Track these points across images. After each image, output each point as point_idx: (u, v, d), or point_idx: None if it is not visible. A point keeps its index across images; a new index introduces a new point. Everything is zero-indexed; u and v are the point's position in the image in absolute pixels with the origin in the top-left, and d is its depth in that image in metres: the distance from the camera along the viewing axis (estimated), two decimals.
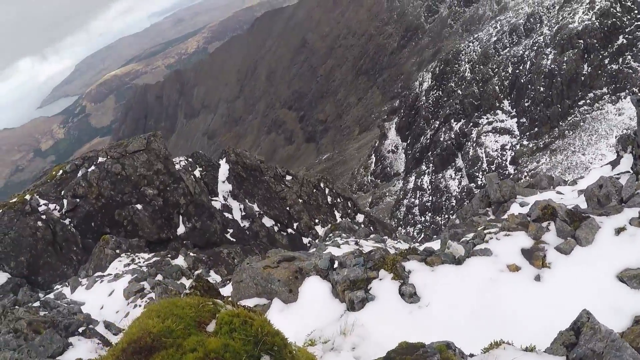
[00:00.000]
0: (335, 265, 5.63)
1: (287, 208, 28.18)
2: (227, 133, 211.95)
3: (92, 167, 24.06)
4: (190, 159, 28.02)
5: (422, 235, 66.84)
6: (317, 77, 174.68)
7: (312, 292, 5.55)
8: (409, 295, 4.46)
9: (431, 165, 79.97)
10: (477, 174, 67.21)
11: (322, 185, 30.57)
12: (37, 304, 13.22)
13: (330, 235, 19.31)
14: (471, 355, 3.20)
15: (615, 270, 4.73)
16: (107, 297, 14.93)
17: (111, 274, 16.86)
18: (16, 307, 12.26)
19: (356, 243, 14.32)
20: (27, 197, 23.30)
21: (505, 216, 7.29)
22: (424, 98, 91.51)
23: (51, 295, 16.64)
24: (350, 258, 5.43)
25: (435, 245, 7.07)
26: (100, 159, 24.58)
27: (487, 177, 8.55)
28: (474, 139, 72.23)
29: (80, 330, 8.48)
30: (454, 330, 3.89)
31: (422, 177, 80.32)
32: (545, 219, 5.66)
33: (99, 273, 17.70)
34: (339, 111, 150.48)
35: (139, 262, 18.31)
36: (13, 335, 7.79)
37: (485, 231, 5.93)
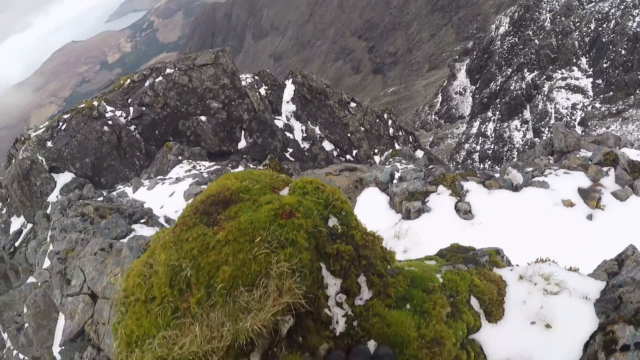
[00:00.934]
0: (395, 179, 5.83)
1: (349, 134, 28.24)
2: (294, 57, 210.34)
3: (160, 78, 24.66)
4: (256, 77, 28.26)
5: None
6: (391, 8, 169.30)
7: (370, 201, 5.79)
8: (464, 212, 4.63)
9: (497, 113, 77.69)
10: (543, 129, 64.93)
11: (385, 116, 30.40)
12: (100, 199, 14.06)
13: (390, 159, 19.39)
14: (517, 265, 3.37)
15: None
16: (168, 198, 15.68)
17: (172, 178, 17.59)
18: (81, 200, 13.10)
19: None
20: (95, 103, 24.25)
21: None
22: (499, 43, 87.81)
23: (114, 193, 17.62)
24: (410, 173, 5.61)
25: (496, 174, 7.19)
26: (168, 70, 25.15)
27: (554, 125, 8.42)
28: (545, 93, 69.41)
29: (142, 220, 9.04)
30: (503, 247, 4.08)
31: (487, 123, 78.28)
32: (606, 164, 5.66)
33: (161, 176, 18.52)
34: (409, 45, 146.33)
35: (200, 169, 19.00)
36: (80, 218, 8.41)
37: (546, 167, 5.99)
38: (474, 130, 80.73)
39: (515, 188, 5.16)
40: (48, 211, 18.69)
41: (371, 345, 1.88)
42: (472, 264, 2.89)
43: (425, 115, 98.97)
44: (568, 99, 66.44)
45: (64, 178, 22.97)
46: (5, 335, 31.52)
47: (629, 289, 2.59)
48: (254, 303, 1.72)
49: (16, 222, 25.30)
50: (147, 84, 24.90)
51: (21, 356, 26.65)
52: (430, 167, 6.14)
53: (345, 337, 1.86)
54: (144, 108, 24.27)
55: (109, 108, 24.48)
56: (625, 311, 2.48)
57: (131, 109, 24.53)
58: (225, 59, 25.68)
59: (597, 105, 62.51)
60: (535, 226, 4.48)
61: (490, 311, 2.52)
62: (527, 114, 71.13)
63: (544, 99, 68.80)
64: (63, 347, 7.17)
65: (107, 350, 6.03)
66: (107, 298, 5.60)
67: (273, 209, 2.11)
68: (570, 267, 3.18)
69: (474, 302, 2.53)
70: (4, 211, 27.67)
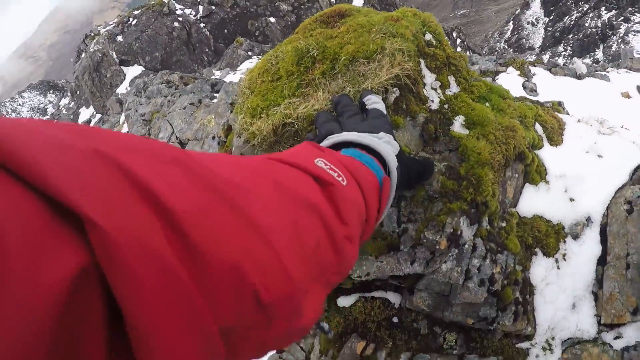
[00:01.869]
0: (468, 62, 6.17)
1: None
2: None
3: None
4: None
5: None
6: None
7: None
8: (530, 89, 4.96)
9: (569, 48, 74.20)
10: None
11: (454, 34, 29.85)
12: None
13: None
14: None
15: None
16: None
17: (243, 70, 18.15)
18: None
19: None
20: (165, 0, 24.63)
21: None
22: None
23: None
24: (483, 58, 5.94)
25: (562, 64, 7.39)
26: None
27: (623, 49, 8.37)
28: (621, 35, 65.54)
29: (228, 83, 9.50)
30: (570, 111, 4.42)
31: (557, 58, 74.98)
32: None
33: (231, 69, 19.11)
34: None
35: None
36: (166, 85, 9.00)
37: (609, 66, 6.23)
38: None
39: (579, 77, 5.45)
40: (120, 97, 19.63)
41: (459, 120, 2.35)
42: (537, 105, 3.31)
43: (494, 42, 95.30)
44: None
45: (133, 71, 23.72)
46: None
47: None
48: (370, 72, 2.19)
49: (85, 113, 26.53)
50: None
51: None
52: (502, 52, 6.41)
53: (438, 113, 2.34)
54: (213, 7, 24.60)
55: (178, 6, 24.92)
56: None
57: (201, 7, 24.90)
58: None
59: None
60: (595, 106, 4.80)
61: (551, 137, 2.95)
62: (599, 54, 68.07)
63: (619, 40, 65.42)
64: None
65: None
66: (197, 139, 6.25)
67: (383, 16, 2.55)
68: (622, 126, 3.56)
69: (538, 127, 2.96)
70: (72, 104, 28.98)
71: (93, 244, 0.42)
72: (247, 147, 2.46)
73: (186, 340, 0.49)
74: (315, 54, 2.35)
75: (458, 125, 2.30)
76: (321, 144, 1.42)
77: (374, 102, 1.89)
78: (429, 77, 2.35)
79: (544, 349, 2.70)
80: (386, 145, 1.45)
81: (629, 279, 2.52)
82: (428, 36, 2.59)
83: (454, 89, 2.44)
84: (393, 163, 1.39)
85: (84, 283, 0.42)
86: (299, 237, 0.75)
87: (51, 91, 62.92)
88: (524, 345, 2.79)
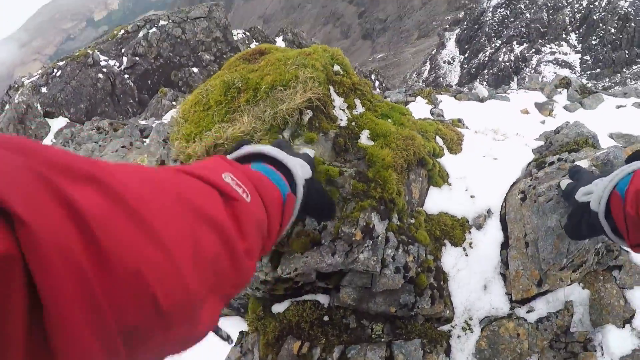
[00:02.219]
0: (384, 96, 6.77)
1: None
2: (283, 19, 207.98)
3: (154, 29, 25.07)
4: (248, 33, 28.78)
5: None
6: None
7: None
8: (437, 115, 5.52)
9: (485, 83, 78.23)
10: None
11: (372, 77, 31.17)
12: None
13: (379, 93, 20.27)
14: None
15: (607, 131, 5.68)
16: None
17: (167, 119, 18.31)
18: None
19: None
20: (89, 51, 24.63)
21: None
22: (490, 14, 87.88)
23: None
24: (394, 91, 6.53)
25: (465, 90, 8.09)
26: (161, 22, 25.55)
27: (528, 76, 9.19)
28: (533, 66, 69.93)
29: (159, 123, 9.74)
30: (469, 125, 4.95)
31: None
32: (560, 86, 6.67)
33: (156, 119, 19.27)
34: (400, 13, 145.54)
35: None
36: (96, 131, 9.14)
37: (508, 88, 6.97)
38: None
39: (482, 100, 6.11)
40: None
41: (365, 133, 2.78)
42: (438, 122, 3.81)
43: (413, 82, 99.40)
44: (555, 73, 67.20)
45: (58, 123, 23.33)
46: None
47: (557, 137, 3.52)
48: (287, 97, 2.60)
49: None
50: (140, 34, 25.31)
51: None
52: (412, 84, 7.04)
53: (347, 129, 2.76)
54: (137, 58, 24.74)
55: (102, 57, 24.92)
56: (552, 148, 3.43)
57: (124, 58, 24.98)
58: (219, 13, 26.14)
59: (584, 81, 63.49)
60: (495, 124, 5.41)
61: (451, 147, 3.44)
62: (514, 86, 71.68)
63: (532, 71, 69.60)
64: None
65: None
66: None
67: (297, 51, 2.97)
68: (517, 134, 4.11)
69: (438, 140, 3.45)
70: None
71: (19, 236, 0.50)
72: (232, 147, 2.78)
73: (88, 332, 0.56)
74: (240, 85, 2.73)
75: (364, 138, 2.71)
76: (235, 153, 1.50)
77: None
78: (338, 100, 2.77)
79: (463, 329, 3.10)
80: (295, 162, 1.55)
81: (529, 256, 2.97)
82: (336, 67, 3.04)
83: (360, 109, 2.88)
84: (300, 180, 1.48)
85: (8, 267, 0.49)
86: (198, 249, 0.80)
87: None
88: (445, 327, 3.16)
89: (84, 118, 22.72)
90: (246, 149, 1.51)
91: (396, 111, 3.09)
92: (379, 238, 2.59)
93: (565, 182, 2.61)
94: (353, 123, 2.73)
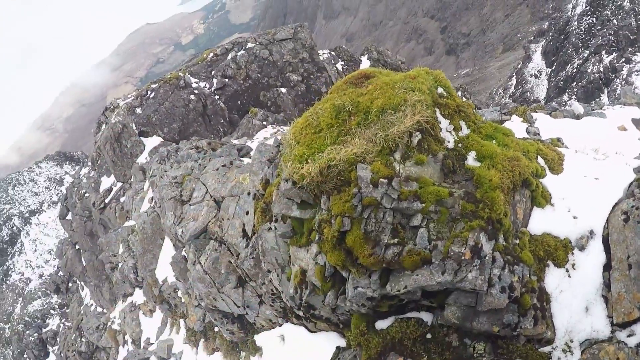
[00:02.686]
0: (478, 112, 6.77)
1: None
2: (365, 37, 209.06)
3: (242, 51, 25.92)
4: (333, 53, 29.24)
5: None
6: None
7: None
8: (534, 134, 5.48)
9: (574, 97, 74.86)
10: None
11: (459, 93, 30.81)
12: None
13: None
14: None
15: None
16: None
17: (259, 138, 18.96)
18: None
19: None
20: (181, 74, 25.83)
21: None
22: (576, 23, 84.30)
23: None
24: (488, 110, 6.50)
25: (561, 108, 7.90)
26: (249, 45, 26.41)
27: (622, 89, 8.90)
28: (624, 77, 66.30)
29: (250, 153, 10.17)
30: (568, 145, 4.89)
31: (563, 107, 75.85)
32: None
33: (247, 138, 19.97)
34: (483, 26, 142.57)
35: (284, 132, 20.29)
36: (195, 150, 9.66)
37: (604, 104, 6.76)
38: None
39: (577, 117, 5.96)
40: (142, 165, 20.40)
41: (472, 155, 2.86)
42: (538, 142, 3.82)
43: (499, 98, 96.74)
44: None
45: (152, 142, 24.55)
46: (84, 292, 33.83)
47: None
48: (397, 120, 2.73)
49: (106, 181, 27.38)
50: (229, 57, 26.26)
51: (99, 309, 28.77)
52: (506, 103, 6.98)
53: (454, 151, 2.85)
54: (226, 80, 25.68)
55: (193, 79, 26.08)
56: None
57: (214, 80, 26.00)
58: (304, 34, 26.73)
59: None
60: (593, 141, 5.28)
61: (552, 167, 3.45)
62: (604, 99, 68.64)
63: (623, 82, 66.20)
64: (178, 251, 8.48)
65: (230, 241, 7.34)
66: (233, 196, 6.79)
67: (402, 75, 3.11)
68: (617, 152, 4.04)
69: (540, 160, 3.47)
70: (92, 173, 29.92)
71: None
72: (294, 190, 2.96)
73: None
74: (350, 108, 2.89)
75: (471, 159, 2.80)
76: None
77: None
78: (444, 123, 2.87)
79: (564, 351, 3.09)
80: None
81: (632, 278, 2.94)
82: (440, 89, 3.14)
83: (465, 130, 2.97)
84: None
85: None
86: None
87: (67, 162, 65.09)
88: (546, 349, 3.17)
89: (177, 137, 23.78)
90: None
91: (500, 132, 3.14)
92: (487, 258, 2.65)
93: None
94: (460, 145, 2.83)
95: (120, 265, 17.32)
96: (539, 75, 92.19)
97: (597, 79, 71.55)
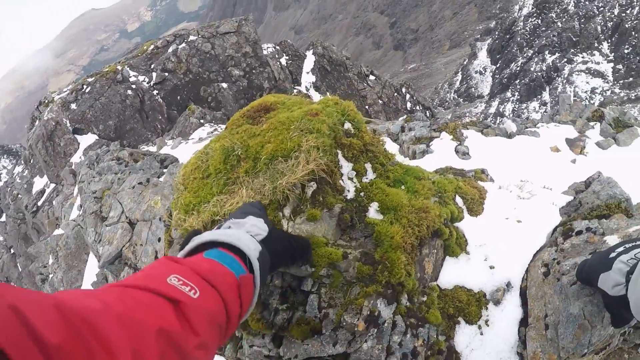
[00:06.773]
0: (405, 129, 6.51)
1: (366, 107, 28.72)
2: (315, 30, 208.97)
3: (183, 44, 25.17)
4: (277, 47, 28.78)
5: None
6: None
7: None
8: (462, 153, 5.26)
9: (517, 93, 77.17)
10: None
11: (403, 90, 30.80)
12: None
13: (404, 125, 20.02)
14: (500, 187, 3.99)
15: None
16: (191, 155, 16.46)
17: (195, 138, 18.37)
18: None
19: None
20: (119, 67, 24.87)
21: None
22: (522, 24, 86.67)
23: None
24: (418, 123, 6.27)
25: (493, 125, 7.79)
26: (191, 37, 25.67)
27: (560, 96, 8.89)
28: (565, 76, 68.79)
29: (173, 163, 9.75)
30: (493, 176, 4.69)
31: (506, 104, 77.94)
32: (593, 120, 6.30)
33: (183, 137, 19.32)
34: (431, 23, 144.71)
35: (220, 131, 19.77)
36: (116, 162, 9.12)
37: (538, 122, 6.64)
38: (492, 110, 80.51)
39: (509, 135, 5.80)
40: (74, 167, 19.50)
41: (374, 206, 2.55)
42: (459, 176, 3.56)
43: (444, 93, 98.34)
44: (588, 82, 66.08)
45: (87, 139, 23.55)
46: None
47: (587, 195, 3.23)
48: (288, 169, 2.39)
49: (39, 182, 26.14)
50: (170, 50, 25.44)
51: None
52: (436, 117, 6.76)
53: (354, 202, 2.54)
54: (166, 74, 24.87)
55: (132, 73, 25.09)
56: (582, 210, 3.14)
57: (154, 74, 25.12)
58: (248, 27, 26.17)
59: (617, 90, 62.13)
60: (523, 164, 5.11)
61: (471, 208, 3.19)
62: (546, 96, 70.88)
63: (564, 81, 68.48)
64: (100, 270, 7.99)
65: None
66: (145, 220, 6.35)
67: (303, 110, 2.77)
68: (544, 186, 3.83)
69: (458, 200, 3.20)
70: (26, 172, 28.57)
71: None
72: (183, 240, 2.61)
73: None
74: (240, 152, 2.55)
75: (373, 212, 2.50)
76: (186, 247, 1.58)
77: None
78: (346, 167, 2.57)
79: None
80: (246, 236, 1.62)
81: (548, 339, 2.70)
82: (347, 125, 2.83)
83: (370, 175, 2.67)
84: (254, 255, 1.54)
85: None
86: (140, 357, 0.94)
87: (5, 156, 61.87)
88: None
89: (112, 135, 22.93)
90: (196, 242, 1.57)
91: (411, 175, 2.86)
92: (385, 324, 2.37)
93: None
94: (362, 194, 2.52)
95: (50, 277, 16.46)
96: (483, 72, 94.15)
97: (540, 77, 73.74)
